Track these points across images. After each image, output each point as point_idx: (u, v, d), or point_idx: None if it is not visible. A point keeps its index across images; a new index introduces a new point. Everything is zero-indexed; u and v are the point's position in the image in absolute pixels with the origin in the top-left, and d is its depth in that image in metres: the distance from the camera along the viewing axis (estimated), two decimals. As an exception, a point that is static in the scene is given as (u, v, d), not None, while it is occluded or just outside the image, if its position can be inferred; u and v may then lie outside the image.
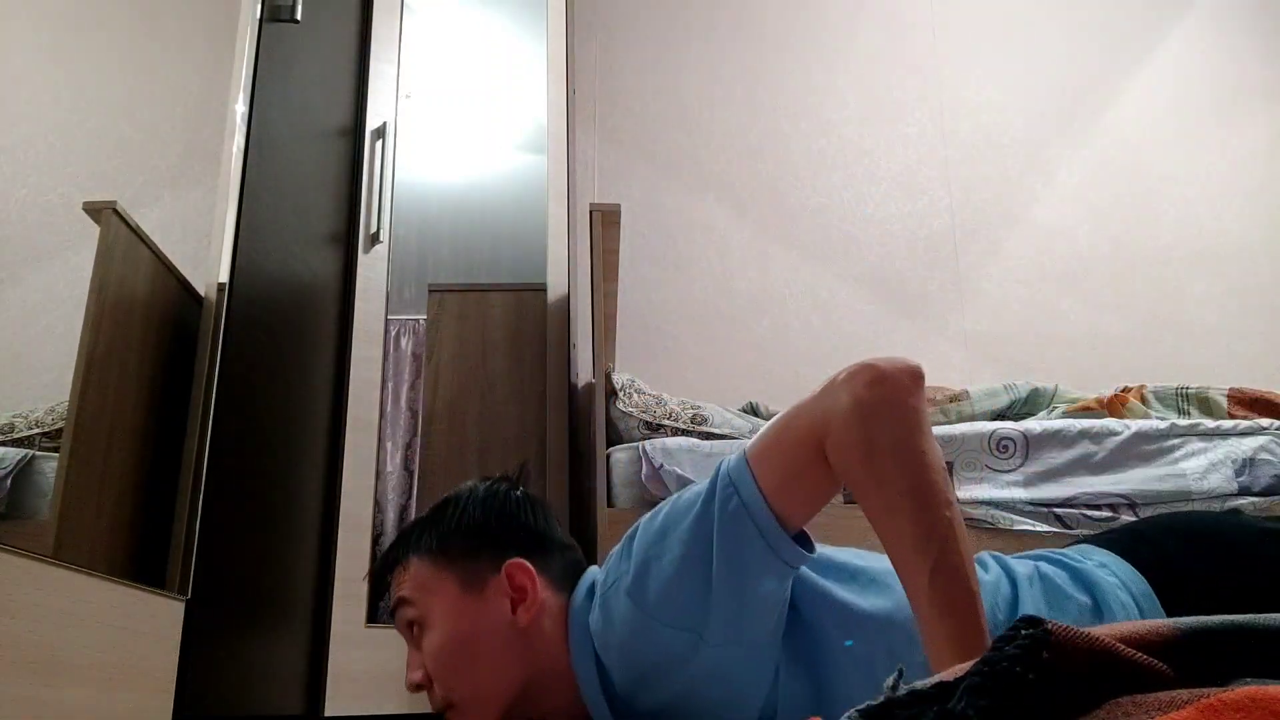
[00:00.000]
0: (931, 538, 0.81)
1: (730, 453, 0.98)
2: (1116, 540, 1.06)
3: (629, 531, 1.02)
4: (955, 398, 2.19)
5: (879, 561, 0.99)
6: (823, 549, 1.00)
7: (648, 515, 1.01)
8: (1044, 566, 1.03)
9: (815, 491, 0.92)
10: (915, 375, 0.88)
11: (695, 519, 0.93)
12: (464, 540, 1.07)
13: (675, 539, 0.94)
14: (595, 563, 1.89)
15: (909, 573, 0.82)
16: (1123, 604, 0.96)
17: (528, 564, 1.05)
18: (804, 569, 0.98)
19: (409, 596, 1.06)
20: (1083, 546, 1.08)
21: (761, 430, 0.96)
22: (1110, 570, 1.00)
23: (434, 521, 1.10)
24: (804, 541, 0.94)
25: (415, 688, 1.06)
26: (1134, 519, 1.80)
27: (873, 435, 0.85)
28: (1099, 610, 0.96)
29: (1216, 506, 1.83)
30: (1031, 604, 0.97)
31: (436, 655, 1.03)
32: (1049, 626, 0.42)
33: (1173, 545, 1.03)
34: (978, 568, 0.90)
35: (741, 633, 0.93)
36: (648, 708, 1.00)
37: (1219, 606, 0.85)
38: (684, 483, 1.87)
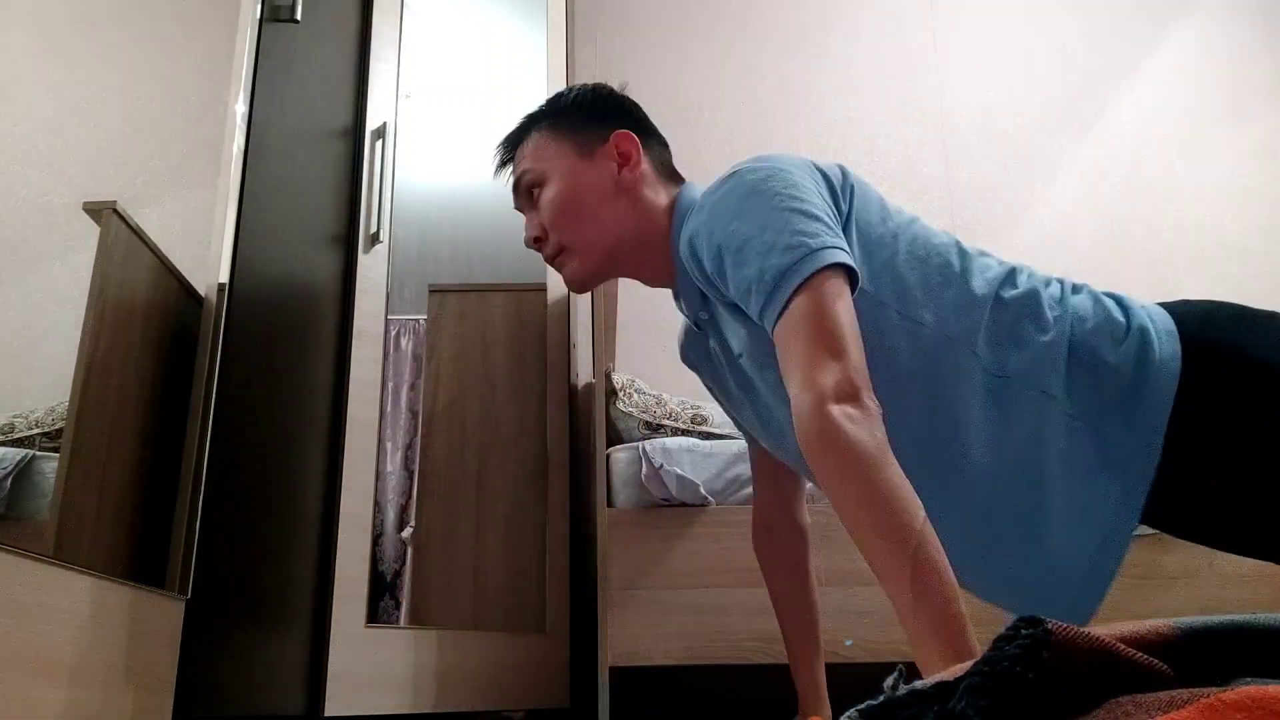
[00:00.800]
0: (904, 543, 0.82)
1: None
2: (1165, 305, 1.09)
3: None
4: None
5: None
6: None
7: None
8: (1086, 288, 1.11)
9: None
10: (845, 403, 0.87)
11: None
12: (578, 114, 1.24)
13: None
14: (593, 570, 1.90)
15: (889, 576, 0.83)
16: (1148, 312, 1.03)
17: (633, 135, 1.22)
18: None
19: (530, 165, 1.22)
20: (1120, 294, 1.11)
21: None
22: (1147, 310, 1.05)
23: (552, 104, 1.27)
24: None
25: (534, 241, 1.23)
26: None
27: (820, 473, 0.89)
28: (1125, 312, 1.03)
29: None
30: (1081, 304, 1.05)
31: (552, 205, 1.19)
32: (1049, 626, 0.42)
33: (1204, 310, 1.07)
34: (1023, 272, 1.08)
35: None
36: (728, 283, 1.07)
37: (1235, 366, 0.93)
38: (684, 483, 1.87)
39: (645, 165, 1.22)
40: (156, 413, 1.34)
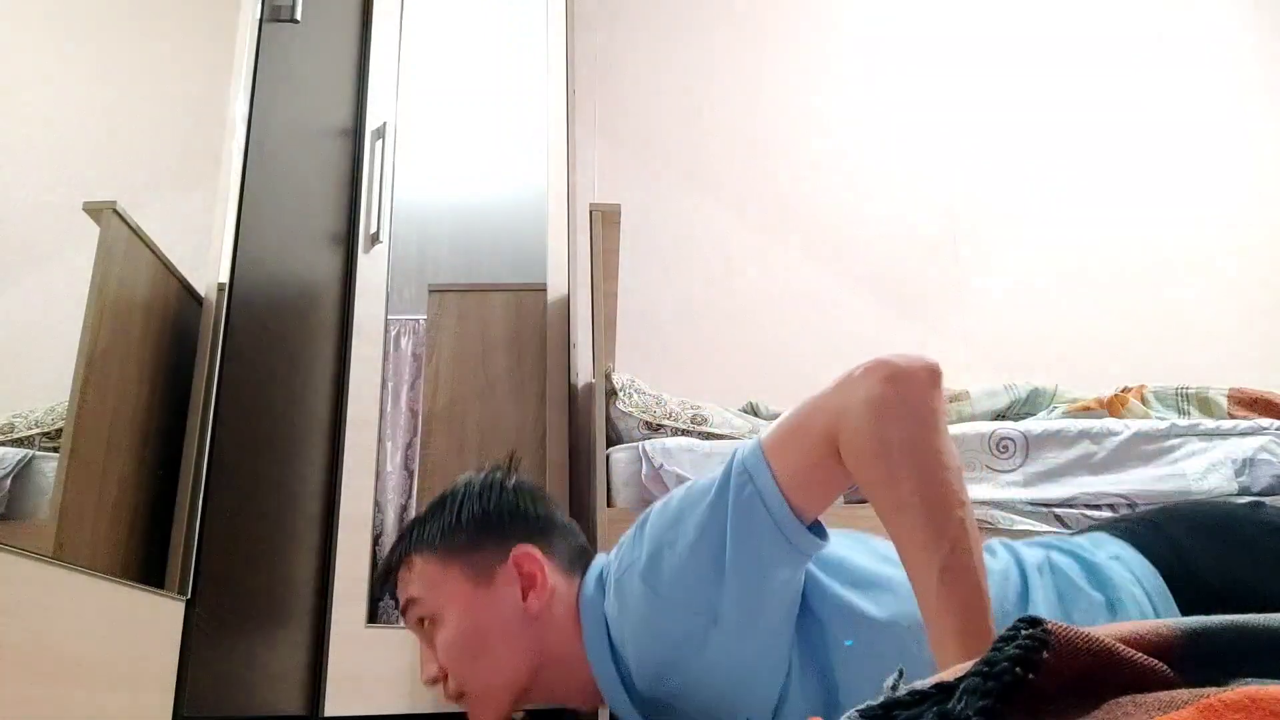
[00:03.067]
0: (942, 537, 0.80)
1: (744, 441, 0.98)
2: (1130, 530, 1.05)
3: (640, 518, 1.02)
4: (955, 398, 2.19)
5: (885, 559, 0.99)
6: (833, 539, 0.99)
7: (660, 502, 1.01)
8: (1055, 556, 1.02)
9: (830, 484, 0.92)
10: (933, 373, 0.87)
11: (710, 505, 0.93)
12: (467, 533, 1.08)
13: (690, 524, 0.94)
14: (595, 560, 1.89)
15: (918, 571, 0.81)
16: (1136, 600, 0.95)
17: (535, 550, 1.06)
18: (812, 566, 0.98)
19: (417, 595, 1.07)
20: (1096, 535, 1.06)
21: (778, 420, 0.95)
22: (1124, 564, 0.99)
23: (434, 517, 1.10)
24: (817, 530, 0.94)
25: (431, 682, 1.07)
26: (1146, 509, 1.80)
27: (886, 433, 0.85)
28: (1112, 608, 0.95)
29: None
30: (1043, 598, 0.96)
31: (449, 649, 1.04)
32: (1049, 626, 0.42)
33: (1189, 540, 1.01)
34: (985, 554, 0.90)
35: (755, 620, 0.93)
36: (663, 695, 1.00)
37: (1235, 604, 0.85)
38: (684, 482, 1.87)
39: (552, 579, 1.06)
40: (156, 412, 1.34)
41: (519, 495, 1.12)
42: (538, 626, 1.04)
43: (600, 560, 1.09)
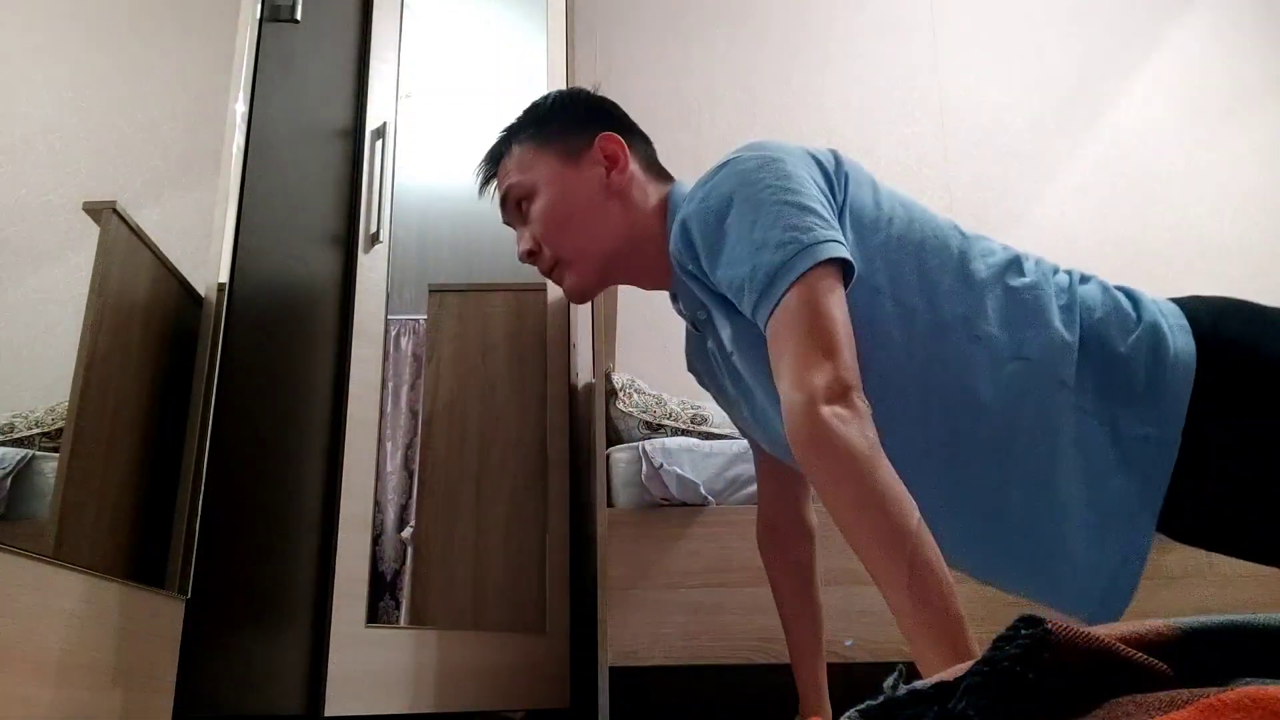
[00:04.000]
0: (900, 543, 0.81)
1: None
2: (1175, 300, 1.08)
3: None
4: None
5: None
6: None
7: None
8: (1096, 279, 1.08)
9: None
10: (836, 404, 0.87)
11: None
12: (559, 121, 1.21)
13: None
14: (593, 570, 1.89)
15: (885, 575, 0.82)
16: (1160, 309, 1.01)
17: (618, 136, 1.19)
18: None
19: (516, 179, 1.19)
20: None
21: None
22: (1159, 306, 1.03)
23: (530, 114, 1.23)
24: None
25: (526, 256, 1.20)
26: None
27: (813, 472, 0.88)
28: (1136, 307, 1.02)
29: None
30: (1089, 296, 1.03)
31: (543, 218, 1.17)
32: (1049, 626, 0.42)
33: (1211, 306, 1.05)
34: (1031, 261, 1.05)
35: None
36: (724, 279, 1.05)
37: (1246, 361, 0.91)
38: (684, 483, 1.87)
39: (633, 166, 1.19)
40: (156, 413, 1.34)
41: (606, 101, 1.25)
42: (620, 202, 1.17)
43: (684, 185, 1.19)
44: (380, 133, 1.93)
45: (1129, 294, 1.05)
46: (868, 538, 0.83)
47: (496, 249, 2.34)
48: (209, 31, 1.59)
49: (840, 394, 0.87)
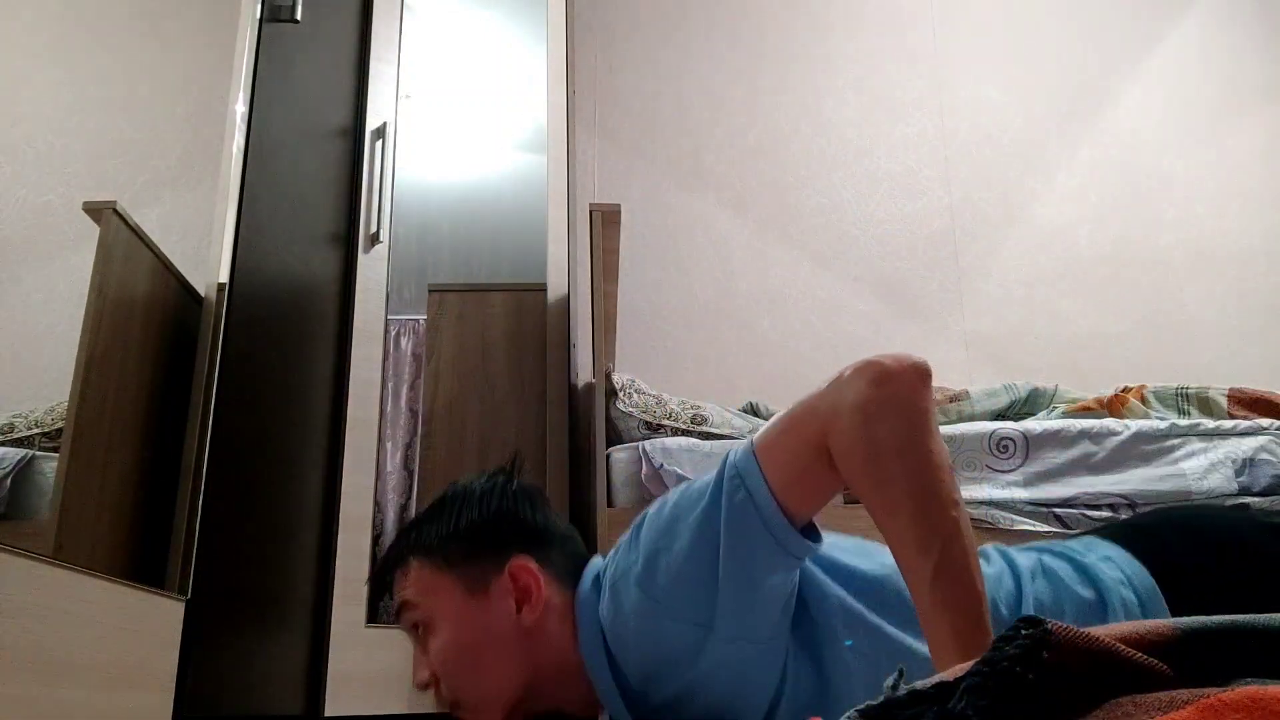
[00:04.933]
0: (935, 538, 0.80)
1: (738, 443, 0.98)
2: (1121, 533, 1.06)
3: (636, 520, 1.02)
4: (955, 398, 2.19)
5: (883, 558, 0.99)
6: (829, 540, 0.99)
7: (655, 504, 1.01)
8: (1047, 559, 1.02)
9: (821, 487, 0.92)
10: (922, 373, 0.87)
11: (703, 510, 0.93)
12: (465, 542, 1.06)
13: (684, 529, 0.94)
14: (595, 562, 1.89)
15: (912, 573, 0.81)
16: (1124, 601, 0.96)
17: (531, 563, 1.04)
18: (809, 564, 0.97)
19: (412, 600, 1.06)
20: (1087, 539, 1.07)
21: (769, 422, 0.95)
22: (1115, 564, 0.99)
23: (433, 521, 1.09)
24: (811, 533, 0.94)
25: (423, 686, 1.06)
26: (1138, 513, 1.80)
27: (876, 434, 0.84)
28: (1103, 605, 0.95)
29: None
30: (1034, 599, 0.96)
31: (442, 657, 1.03)
32: (1049, 626, 0.42)
33: (1178, 541, 1.02)
34: (980, 560, 0.88)
35: (749, 627, 0.93)
36: (660, 699, 1.00)
37: (1224, 605, 0.85)
38: (683, 483, 1.87)
39: (547, 592, 1.04)
40: (156, 413, 1.34)
41: (519, 502, 1.10)
42: (532, 639, 1.03)
43: (597, 562, 1.09)
44: (380, 133, 1.93)
45: (1093, 582, 0.99)
46: (930, 497, 0.81)
47: (496, 249, 2.35)
48: (209, 31, 1.59)
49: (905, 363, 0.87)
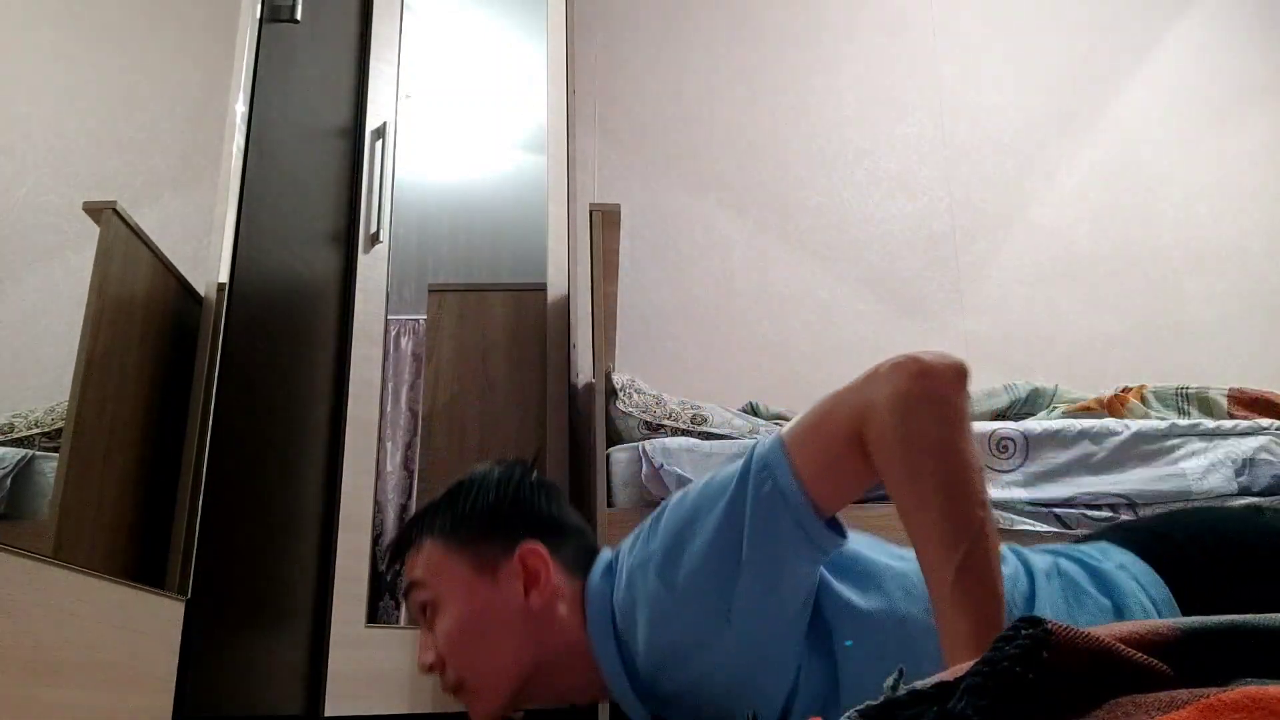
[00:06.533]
0: (961, 535, 0.80)
1: (763, 436, 0.98)
2: (1136, 539, 1.05)
3: (655, 512, 1.02)
4: (955, 398, 2.19)
5: (896, 556, 1.00)
6: (851, 539, 0.99)
7: (677, 496, 1.01)
8: (1063, 563, 1.02)
9: (852, 480, 0.91)
10: (960, 372, 0.87)
11: (729, 502, 0.93)
12: (477, 524, 1.07)
13: (708, 521, 0.94)
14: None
15: (934, 569, 0.81)
16: (1143, 607, 0.95)
17: (541, 548, 1.05)
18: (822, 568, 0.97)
19: (421, 579, 1.07)
20: (1102, 544, 1.07)
21: (798, 416, 0.95)
22: (1130, 573, 0.99)
23: (448, 504, 1.10)
24: (835, 527, 0.94)
25: (428, 669, 1.07)
26: (1151, 515, 1.80)
27: (912, 429, 0.84)
28: (1119, 613, 0.95)
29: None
30: (1049, 602, 0.96)
31: (448, 638, 1.04)
32: (1049, 626, 0.42)
33: (1194, 548, 1.01)
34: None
35: (768, 618, 0.93)
36: (670, 689, 1.00)
37: (1239, 612, 0.85)
38: (684, 483, 1.87)
39: (556, 576, 1.05)
40: (156, 412, 1.34)
41: (534, 492, 1.11)
42: (538, 623, 1.03)
43: (606, 554, 1.09)
44: (380, 132, 1.93)
45: (1110, 589, 0.99)
46: (959, 495, 0.82)
47: (496, 249, 2.35)
48: (209, 31, 1.59)
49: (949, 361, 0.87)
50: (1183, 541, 1.03)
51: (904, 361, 0.87)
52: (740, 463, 0.95)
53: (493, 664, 1.03)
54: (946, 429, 0.84)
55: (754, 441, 0.97)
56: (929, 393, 0.85)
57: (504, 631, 1.03)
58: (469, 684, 1.04)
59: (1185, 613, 0.95)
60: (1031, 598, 0.97)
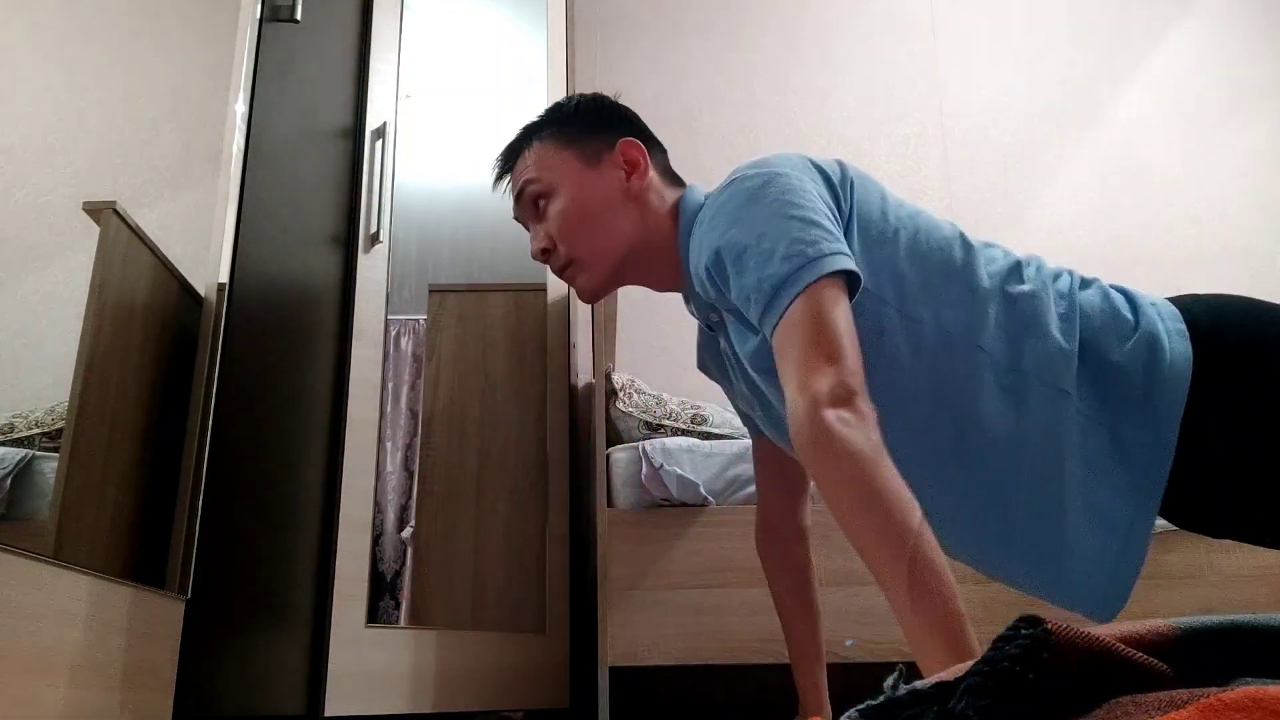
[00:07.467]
0: (899, 552, 0.81)
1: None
2: (1178, 298, 1.09)
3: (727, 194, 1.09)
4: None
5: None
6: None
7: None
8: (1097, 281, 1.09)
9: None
10: (840, 423, 0.87)
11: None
12: (581, 122, 1.23)
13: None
14: (593, 570, 1.89)
15: (884, 577, 0.82)
16: (1157, 330, 1.01)
17: (639, 142, 1.21)
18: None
19: (535, 175, 1.20)
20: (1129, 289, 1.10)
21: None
22: (1159, 313, 1.04)
23: (551, 114, 1.25)
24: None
25: (539, 254, 1.22)
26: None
27: (817, 476, 0.89)
28: (1136, 328, 1.01)
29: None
30: (1081, 308, 1.03)
31: (560, 218, 1.18)
32: (1049, 626, 0.42)
33: (1235, 319, 1.05)
34: (1031, 265, 1.05)
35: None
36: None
37: (1246, 361, 0.93)
38: (684, 483, 1.87)
39: (651, 172, 1.21)
40: (156, 413, 1.34)
41: (627, 108, 1.27)
42: (637, 206, 1.18)
43: (698, 188, 1.22)
44: (380, 133, 1.92)
45: (1128, 297, 1.06)
46: (870, 537, 0.83)
47: (496, 249, 2.35)
48: (209, 31, 1.59)
49: (844, 398, 0.88)
50: (1226, 311, 1.06)
51: (793, 411, 0.90)
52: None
53: (599, 240, 1.18)
54: (844, 469, 0.85)
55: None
56: (814, 444, 0.88)
57: (608, 212, 1.18)
58: (578, 259, 1.19)
59: (1198, 376, 0.97)
60: (1070, 299, 1.03)
